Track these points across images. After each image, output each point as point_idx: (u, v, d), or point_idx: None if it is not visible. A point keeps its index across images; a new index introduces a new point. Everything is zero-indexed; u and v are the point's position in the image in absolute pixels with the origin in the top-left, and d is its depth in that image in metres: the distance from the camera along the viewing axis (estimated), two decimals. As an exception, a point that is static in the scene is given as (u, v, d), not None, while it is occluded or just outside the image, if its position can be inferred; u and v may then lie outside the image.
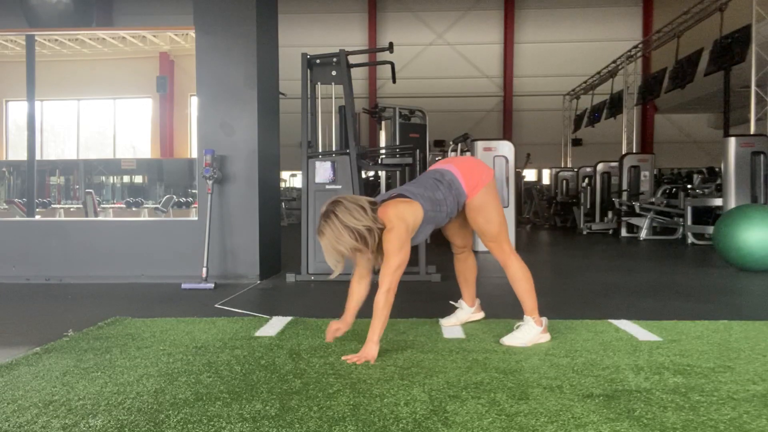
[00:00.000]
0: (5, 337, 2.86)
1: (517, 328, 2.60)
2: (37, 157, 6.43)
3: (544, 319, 2.64)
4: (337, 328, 2.54)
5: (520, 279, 2.64)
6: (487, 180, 2.62)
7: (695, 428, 1.64)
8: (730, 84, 9.18)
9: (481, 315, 3.05)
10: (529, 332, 2.56)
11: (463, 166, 2.64)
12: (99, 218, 6.78)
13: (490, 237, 2.64)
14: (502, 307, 3.31)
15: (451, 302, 3.13)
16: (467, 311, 3.00)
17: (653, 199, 9.19)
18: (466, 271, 2.98)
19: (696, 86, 11.18)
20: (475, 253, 3.07)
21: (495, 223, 2.62)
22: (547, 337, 2.63)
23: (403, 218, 2.39)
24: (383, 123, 9.19)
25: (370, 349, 2.31)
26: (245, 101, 4.71)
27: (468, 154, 8.51)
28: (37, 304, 3.82)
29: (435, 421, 1.68)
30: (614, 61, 13.71)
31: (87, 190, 7.89)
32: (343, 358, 2.33)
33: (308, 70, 4.79)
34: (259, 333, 2.81)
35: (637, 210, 9.18)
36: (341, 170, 4.66)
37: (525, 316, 2.61)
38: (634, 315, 3.20)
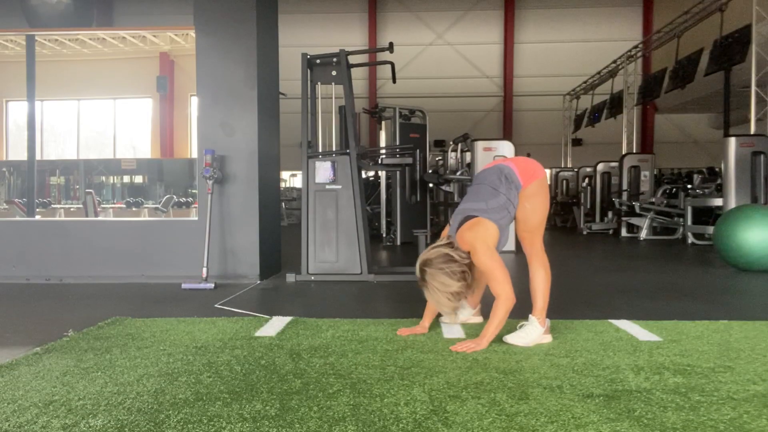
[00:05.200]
0: (5, 337, 2.86)
1: (520, 327, 2.60)
2: (37, 157, 6.43)
3: (547, 321, 2.65)
4: (417, 332, 2.74)
5: (542, 278, 2.68)
6: (541, 174, 2.72)
7: (695, 428, 1.64)
8: (730, 84, 9.18)
9: (479, 319, 3.06)
10: (533, 332, 2.57)
11: (518, 161, 2.76)
12: (99, 218, 6.78)
13: (529, 227, 2.69)
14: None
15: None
16: (468, 312, 3.01)
17: (653, 199, 9.19)
18: (479, 273, 2.99)
19: (696, 86, 11.19)
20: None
21: (539, 214, 2.68)
22: (548, 338, 2.64)
23: (481, 238, 2.54)
24: (383, 123, 9.19)
25: (482, 344, 2.47)
26: (245, 101, 4.71)
27: (468, 153, 8.51)
28: (37, 304, 3.82)
29: (435, 421, 1.68)
30: (614, 61, 13.71)
31: (87, 190, 7.89)
32: (452, 348, 2.47)
33: (308, 70, 4.79)
34: (259, 333, 2.81)
35: (637, 210, 9.18)
36: (341, 170, 4.67)
37: (531, 315, 2.62)
38: (634, 315, 3.20)
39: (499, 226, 2.59)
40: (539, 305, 2.64)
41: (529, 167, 2.71)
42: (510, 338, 2.56)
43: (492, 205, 2.60)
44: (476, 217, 2.59)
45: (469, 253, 2.56)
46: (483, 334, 2.50)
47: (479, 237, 2.54)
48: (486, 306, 3.18)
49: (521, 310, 2.72)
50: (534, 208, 2.67)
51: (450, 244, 2.58)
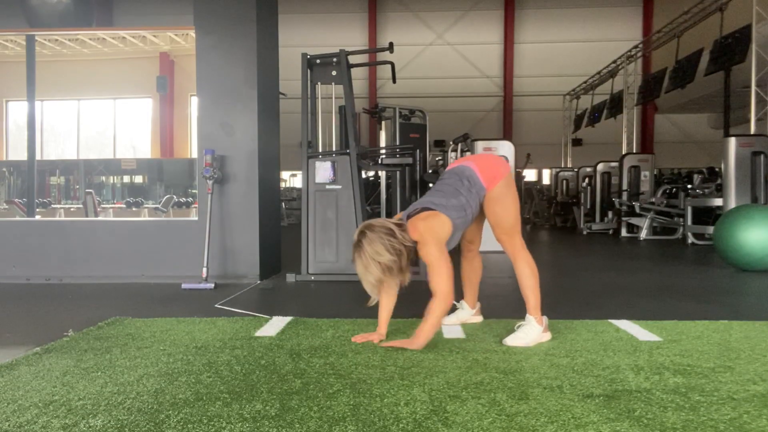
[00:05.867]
0: (5, 337, 2.86)
1: (518, 327, 2.60)
2: (37, 157, 6.43)
3: (545, 318, 2.64)
4: (371, 339, 2.64)
5: (528, 276, 2.65)
6: (504, 173, 2.69)
7: (695, 428, 1.64)
8: (730, 84, 9.18)
9: (479, 319, 3.05)
10: (531, 332, 2.56)
11: (480, 161, 2.72)
12: (99, 218, 6.78)
13: (504, 229, 2.68)
14: (502, 308, 3.31)
15: (453, 302, 3.13)
16: (468, 312, 3.01)
17: (653, 199, 9.19)
18: (471, 272, 3.01)
19: (696, 86, 11.18)
20: (481, 253, 3.07)
21: (511, 215, 2.67)
22: (548, 336, 2.63)
23: (432, 229, 2.49)
24: (383, 123, 9.19)
25: (417, 344, 2.43)
26: (245, 101, 4.71)
27: (468, 153, 8.51)
28: (37, 304, 3.82)
29: (435, 421, 1.68)
30: (614, 61, 13.71)
31: (87, 190, 7.89)
32: (383, 344, 2.48)
33: (308, 70, 4.79)
34: (259, 333, 2.81)
35: (637, 210, 9.18)
36: (341, 170, 4.66)
37: (527, 315, 2.61)
38: (634, 315, 3.20)
39: (454, 224, 2.56)
40: (532, 303, 2.62)
41: (492, 167, 2.68)
42: (509, 340, 2.55)
43: (452, 203, 2.57)
44: (434, 210, 2.56)
45: (415, 242, 2.51)
46: (417, 333, 2.46)
47: (432, 228, 2.50)
48: (486, 305, 3.19)
49: (515, 311, 2.72)
50: (505, 210, 2.67)
51: (399, 225, 2.53)
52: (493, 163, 2.71)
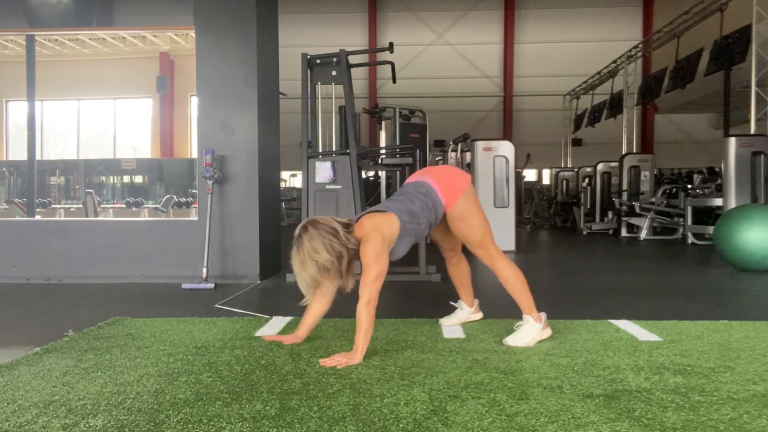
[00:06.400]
0: (5, 337, 2.86)
1: (517, 327, 2.59)
2: (37, 157, 6.43)
3: (543, 315, 2.62)
4: (282, 340, 2.55)
5: (513, 280, 2.62)
6: (464, 188, 2.61)
7: (695, 428, 1.64)
8: (731, 84, 9.18)
9: (479, 315, 3.05)
10: (530, 331, 2.56)
11: (439, 176, 2.63)
12: (99, 218, 6.78)
13: (474, 244, 2.64)
14: (501, 308, 3.31)
15: (451, 302, 3.14)
16: (467, 311, 3.00)
17: (653, 199, 9.19)
18: (460, 274, 2.98)
19: (696, 86, 11.19)
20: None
21: (478, 230, 2.62)
22: (548, 332, 2.62)
23: (379, 228, 2.38)
24: (383, 123, 9.19)
25: (356, 359, 2.27)
26: (245, 101, 4.71)
27: (468, 154, 8.52)
28: (37, 304, 3.82)
29: (435, 421, 1.68)
30: (614, 61, 13.71)
31: (87, 190, 7.89)
32: (321, 362, 2.27)
33: (308, 70, 4.79)
34: (259, 333, 2.81)
35: (637, 210, 9.18)
36: (341, 170, 4.66)
37: (524, 315, 2.61)
38: (634, 315, 3.20)
39: (404, 228, 2.45)
40: (525, 304, 2.61)
41: (452, 181, 2.61)
42: (509, 340, 2.55)
43: (406, 208, 2.49)
44: (385, 211, 2.46)
45: (359, 242, 2.37)
46: (355, 347, 2.30)
47: (378, 227, 2.38)
48: (486, 305, 3.19)
49: (515, 310, 2.71)
50: (470, 228, 2.61)
51: (346, 225, 2.38)
52: (453, 179, 2.63)
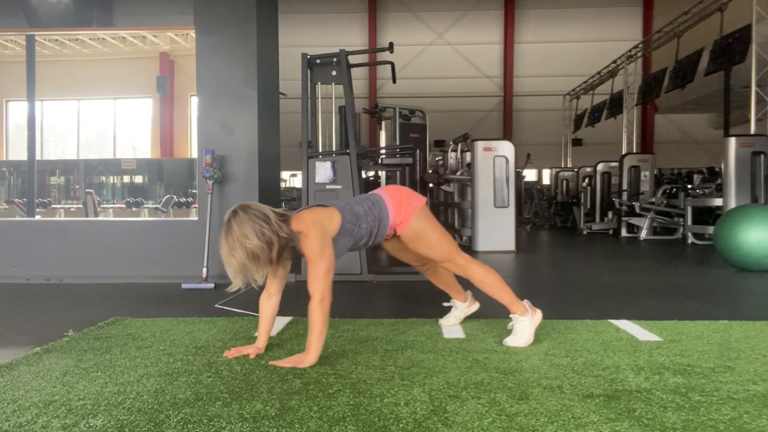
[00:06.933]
0: (5, 337, 2.86)
1: (511, 327, 2.59)
2: (38, 157, 6.44)
3: (526, 302, 2.60)
4: (247, 353, 2.41)
5: (489, 284, 2.60)
6: (417, 207, 2.56)
7: (695, 428, 1.64)
8: (731, 84, 9.18)
9: (476, 306, 3.01)
10: (524, 328, 2.54)
11: (393, 192, 2.58)
12: (99, 218, 6.79)
13: (440, 259, 2.61)
14: (501, 307, 3.29)
15: (444, 304, 3.12)
16: (462, 307, 2.99)
17: (653, 199, 9.19)
18: (441, 280, 2.96)
19: (696, 86, 11.20)
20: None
21: (437, 246, 2.57)
22: (539, 315, 2.59)
23: (319, 221, 2.30)
24: (383, 123, 9.19)
25: (308, 360, 2.21)
26: (245, 101, 4.71)
27: (468, 154, 8.51)
28: (37, 304, 3.82)
29: (435, 421, 1.68)
30: (614, 61, 13.72)
31: (87, 190, 7.90)
32: (271, 362, 2.21)
33: (308, 70, 4.79)
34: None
35: (637, 210, 9.19)
36: (341, 170, 4.67)
37: (511, 315, 2.59)
38: (634, 315, 3.20)
39: (344, 227, 2.38)
40: (507, 302, 2.58)
41: (404, 199, 2.54)
42: (509, 341, 2.54)
43: (352, 208, 2.45)
44: (327, 206, 2.39)
45: (292, 234, 2.27)
46: (307, 348, 2.23)
47: (318, 220, 2.30)
48: (486, 306, 3.19)
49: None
50: (429, 244, 2.56)
51: (280, 214, 2.28)
52: (406, 197, 2.56)
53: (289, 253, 2.35)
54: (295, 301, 3.93)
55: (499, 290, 2.60)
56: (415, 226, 2.54)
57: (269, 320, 2.47)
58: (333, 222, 2.36)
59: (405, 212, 2.53)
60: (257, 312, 3.30)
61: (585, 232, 10.59)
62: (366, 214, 2.47)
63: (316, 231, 2.27)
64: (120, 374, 2.15)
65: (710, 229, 7.19)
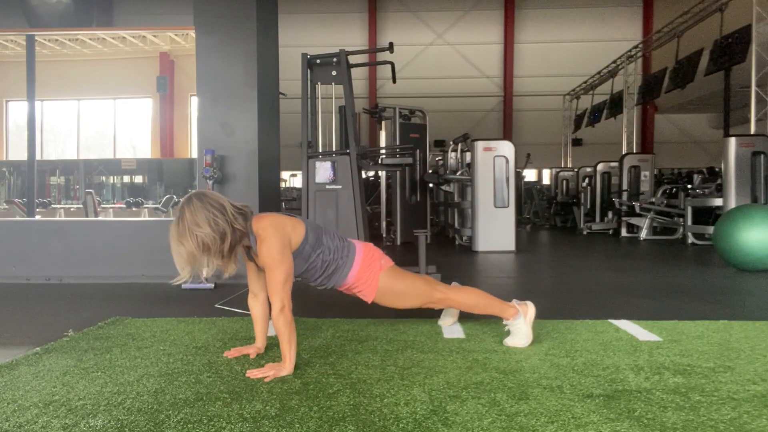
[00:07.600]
0: (5, 337, 2.86)
1: (507, 331, 2.58)
2: (38, 157, 6.44)
3: (514, 301, 2.60)
4: (247, 353, 2.40)
5: (473, 305, 2.60)
6: (386, 266, 2.52)
7: (695, 428, 1.64)
8: (730, 84, 9.18)
9: None
10: (519, 329, 2.54)
11: (368, 250, 2.52)
12: (99, 218, 6.79)
13: (419, 305, 2.58)
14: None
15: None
16: (453, 313, 2.98)
17: (653, 199, 9.19)
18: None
19: (696, 86, 11.19)
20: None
21: (411, 293, 2.53)
22: (532, 309, 2.57)
23: (281, 227, 2.20)
24: (383, 123, 9.18)
25: (286, 370, 2.14)
26: (245, 101, 4.71)
27: (468, 154, 8.51)
28: (37, 304, 3.82)
29: (435, 421, 1.68)
30: (614, 61, 13.71)
31: (87, 190, 7.90)
32: (248, 374, 2.13)
33: (308, 70, 4.79)
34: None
35: (637, 210, 9.19)
36: (341, 170, 4.66)
37: (504, 321, 2.59)
38: (634, 315, 3.20)
39: (307, 241, 2.29)
40: (498, 312, 2.57)
41: (373, 259, 2.49)
42: (509, 341, 2.54)
43: (320, 234, 2.37)
44: (295, 217, 2.31)
45: (247, 229, 2.18)
46: (283, 358, 2.16)
47: (279, 224, 2.20)
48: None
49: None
50: (401, 294, 2.51)
51: (240, 209, 2.17)
52: (377, 255, 2.52)
53: (237, 255, 2.24)
54: (294, 301, 3.93)
55: (486, 306, 2.59)
56: (383, 285, 2.48)
57: (262, 319, 2.44)
58: (296, 231, 2.27)
59: (372, 271, 2.46)
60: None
61: (585, 232, 10.59)
62: (330, 250, 2.38)
63: (273, 237, 2.16)
64: (120, 374, 2.15)
65: (710, 229, 7.19)
